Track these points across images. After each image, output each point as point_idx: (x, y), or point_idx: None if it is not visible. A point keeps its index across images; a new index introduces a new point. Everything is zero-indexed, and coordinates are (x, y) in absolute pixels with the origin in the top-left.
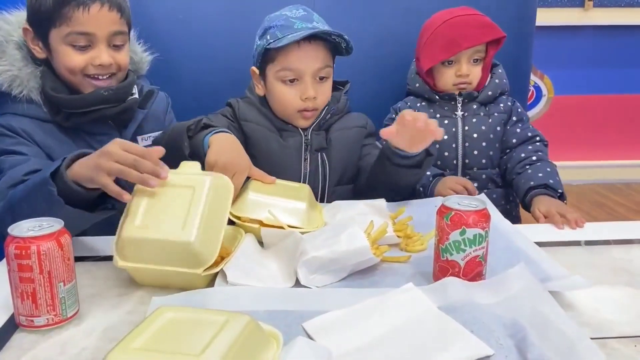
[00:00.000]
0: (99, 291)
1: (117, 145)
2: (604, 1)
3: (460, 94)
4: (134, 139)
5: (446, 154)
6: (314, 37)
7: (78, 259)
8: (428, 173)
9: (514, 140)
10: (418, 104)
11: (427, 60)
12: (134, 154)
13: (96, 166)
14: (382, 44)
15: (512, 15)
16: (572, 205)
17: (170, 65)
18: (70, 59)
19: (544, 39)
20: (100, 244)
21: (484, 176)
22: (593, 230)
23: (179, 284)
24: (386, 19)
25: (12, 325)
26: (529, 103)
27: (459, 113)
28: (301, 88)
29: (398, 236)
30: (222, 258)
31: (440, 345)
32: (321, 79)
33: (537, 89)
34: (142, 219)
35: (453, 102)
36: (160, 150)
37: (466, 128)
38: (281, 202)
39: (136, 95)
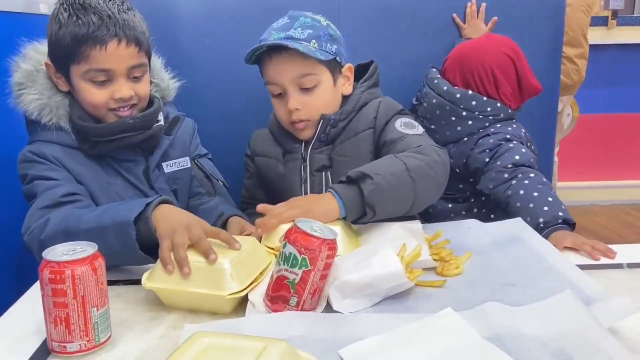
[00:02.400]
0: (130, 315)
1: (199, 227)
2: (628, 20)
3: None
4: (159, 165)
5: None
6: (288, 47)
7: (110, 282)
8: (560, 214)
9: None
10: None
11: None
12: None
13: (171, 233)
14: (407, 65)
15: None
16: (601, 226)
17: (198, 91)
18: (92, 95)
19: None
20: (132, 266)
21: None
22: (635, 251)
23: (204, 306)
24: (410, 41)
25: (45, 351)
26: None
27: None
28: (286, 100)
29: (434, 259)
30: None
31: None
32: (307, 89)
33: None
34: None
35: None
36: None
37: None
38: None
39: (162, 122)
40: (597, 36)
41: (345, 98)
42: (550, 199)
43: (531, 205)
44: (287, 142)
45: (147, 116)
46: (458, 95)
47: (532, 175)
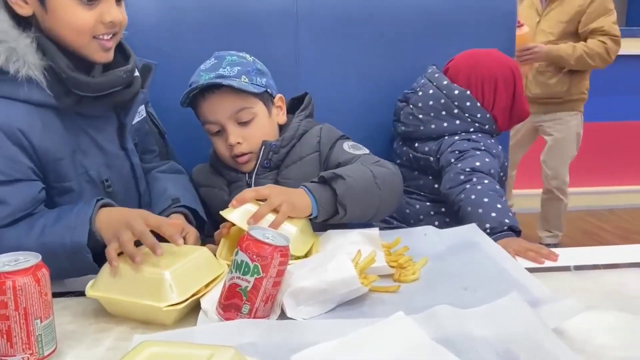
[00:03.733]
0: (78, 327)
1: (140, 221)
2: (628, 32)
3: None
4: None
5: None
6: (219, 85)
7: (56, 294)
8: (506, 221)
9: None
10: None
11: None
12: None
13: (115, 234)
14: (363, 77)
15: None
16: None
17: (157, 98)
18: (76, 16)
19: None
20: (80, 278)
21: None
22: (582, 255)
23: (146, 317)
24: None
25: None
26: None
27: None
28: (225, 137)
29: (393, 266)
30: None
31: None
32: (244, 123)
33: None
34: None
35: None
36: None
37: None
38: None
39: (138, 75)
40: None
41: (282, 127)
42: (499, 205)
43: (480, 210)
44: (230, 173)
45: (131, 71)
46: (456, 92)
47: (485, 181)
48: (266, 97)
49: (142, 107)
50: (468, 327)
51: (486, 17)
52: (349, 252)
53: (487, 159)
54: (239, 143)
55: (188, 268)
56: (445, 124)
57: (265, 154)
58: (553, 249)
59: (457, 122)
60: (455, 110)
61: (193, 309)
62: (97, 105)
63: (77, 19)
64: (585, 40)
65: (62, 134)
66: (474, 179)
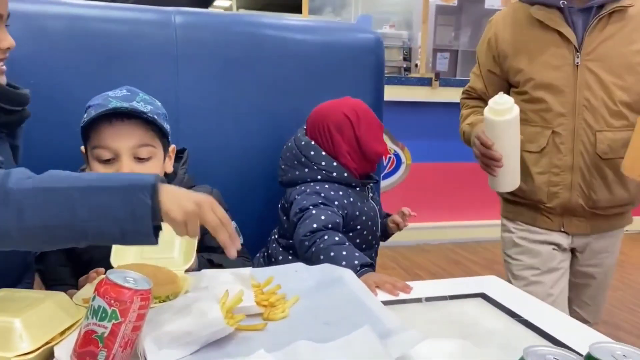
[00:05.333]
0: None
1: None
2: (449, 81)
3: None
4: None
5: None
6: (130, 116)
7: None
8: (356, 262)
9: None
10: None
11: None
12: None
13: (194, 212)
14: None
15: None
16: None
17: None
18: None
19: (401, 113)
20: None
21: None
22: (432, 287)
23: None
24: (251, 93)
25: None
26: (389, 170)
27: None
28: (117, 167)
29: (264, 305)
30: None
31: None
32: (141, 159)
33: (397, 157)
34: None
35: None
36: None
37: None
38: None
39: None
40: (423, 94)
41: (166, 175)
42: (344, 252)
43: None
44: None
45: (29, 94)
46: (303, 143)
47: (326, 237)
48: (165, 143)
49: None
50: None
51: (359, 67)
52: (218, 292)
53: (322, 217)
54: None
55: (42, 314)
56: (297, 172)
57: None
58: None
59: (306, 170)
60: (303, 159)
61: (47, 357)
62: (5, 122)
63: None
64: None
65: None
66: (316, 240)
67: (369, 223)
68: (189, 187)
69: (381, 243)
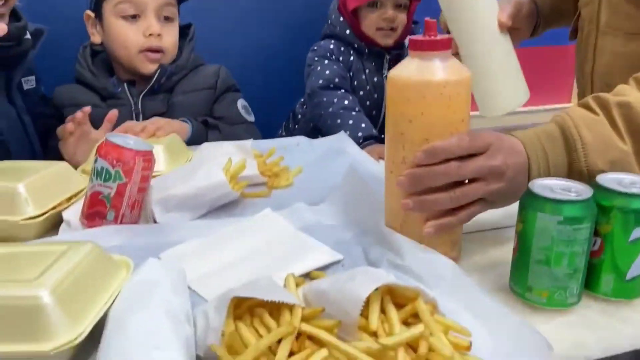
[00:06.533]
0: None
1: None
2: None
3: (389, 52)
4: (20, 82)
5: (374, 112)
6: None
7: None
8: (359, 135)
9: None
10: (342, 48)
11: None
12: None
13: None
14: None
15: None
16: None
17: None
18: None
19: None
20: None
21: None
22: None
23: (4, 233)
24: None
25: None
26: None
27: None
28: (144, 24)
29: (268, 175)
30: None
31: (297, 256)
32: (166, 19)
33: None
34: None
35: (380, 59)
36: None
37: None
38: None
39: (29, 37)
40: None
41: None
42: (350, 121)
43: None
44: (107, 86)
45: (22, 29)
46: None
47: (335, 100)
48: (178, 10)
49: (33, 77)
50: (321, 219)
51: None
52: (220, 162)
53: (327, 71)
54: (159, 35)
55: (46, 181)
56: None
57: (159, 78)
58: None
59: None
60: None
61: (56, 224)
62: None
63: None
64: None
65: None
66: (323, 100)
67: (375, 96)
68: (195, 67)
69: None
